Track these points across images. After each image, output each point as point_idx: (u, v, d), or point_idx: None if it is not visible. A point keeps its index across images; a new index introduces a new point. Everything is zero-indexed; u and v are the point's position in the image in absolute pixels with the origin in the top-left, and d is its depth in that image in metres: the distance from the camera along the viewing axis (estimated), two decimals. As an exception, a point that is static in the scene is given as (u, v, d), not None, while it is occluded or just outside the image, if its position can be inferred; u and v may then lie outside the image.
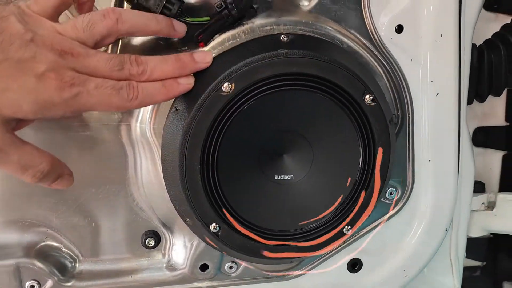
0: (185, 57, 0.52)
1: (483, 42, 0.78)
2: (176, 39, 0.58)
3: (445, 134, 0.66)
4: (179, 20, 0.56)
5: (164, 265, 0.66)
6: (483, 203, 0.87)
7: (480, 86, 0.76)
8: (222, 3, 0.54)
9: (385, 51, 0.62)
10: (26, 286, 0.62)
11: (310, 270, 0.69)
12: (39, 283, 0.62)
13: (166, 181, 0.59)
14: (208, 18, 0.56)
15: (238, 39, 0.57)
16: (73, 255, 0.64)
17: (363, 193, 0.60)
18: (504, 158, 0.92)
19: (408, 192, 0.68)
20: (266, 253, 0.60)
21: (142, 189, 0.63)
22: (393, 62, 0.62)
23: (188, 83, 0.52)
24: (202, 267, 0.66)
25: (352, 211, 0.60)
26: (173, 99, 0.57)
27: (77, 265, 0.64)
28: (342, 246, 0.69)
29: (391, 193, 0.68)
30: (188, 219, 0.60)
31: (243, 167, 0.57)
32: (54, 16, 0.48)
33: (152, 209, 0.64)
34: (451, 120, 0.65)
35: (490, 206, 0.87)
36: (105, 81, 0.46)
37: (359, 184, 0.60)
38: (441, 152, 0.66)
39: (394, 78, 0.63)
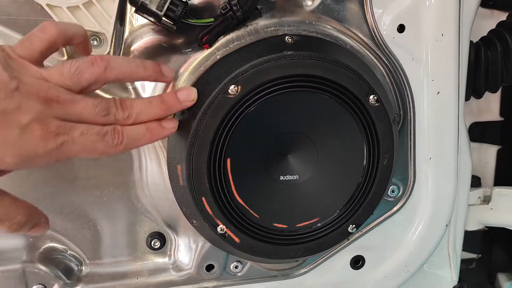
0: (169, 98, 0.51)
1: (480, 39, 0.79)
2: (180, 40, 0.58)
3: (445, 132, 0.67)
4: (183, 22, 0.56)
5: (170, 266, 0.67)
6: (479, 197, 0.88)
7: (477, 83, 0.78)
8: (227, 5, 0.54)
9: (387, 51, 0.62)
10: (32, 290, 0.62)
11: (314, 267, 0.70)
12: (45, 287, 0.62)
13: (172, 183, 0.59)
14: (212, 19, 0.56)
15: (243, 40, 0.57)
16: (78, 258, 0.64)
17: (367, 193, 0.61)
18: (499, 153, 0.93)
19: (410, 189, 0.69)
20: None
21: (148, 191, 0.63)
22: (395, 62, 0.63)
23: (172, 127, 0.52)
24: (207, 267, 0.66)
25: (357, 210, 0.61)
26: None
27: (83, 268, 0.64)
28: (345, 243, 0.70)
29: (393, 191, 0.69)
30: (194, 221, 0.60)
31: (249, 169, 0.58)
32: (39, 60, 0.47)
33: (157, 210, 0.64)
34: (451, 118, 0.66)
35: (486, 200, 0.89)
36: (91, 128, 0.45)
37: (364, 183, 0.61)
38: (441, 149, 0.67)
39: (396, 77, 0.64)
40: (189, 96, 0.53)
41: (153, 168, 0.62)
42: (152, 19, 0.54)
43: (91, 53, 0.53)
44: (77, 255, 0.64)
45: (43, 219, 0.50)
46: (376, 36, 0.62)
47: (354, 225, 0.62)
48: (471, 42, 0.76)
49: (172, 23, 0.55)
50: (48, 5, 0.53)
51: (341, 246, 0.70)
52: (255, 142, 0.57)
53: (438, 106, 0.65)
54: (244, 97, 0.54)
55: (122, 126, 0.47)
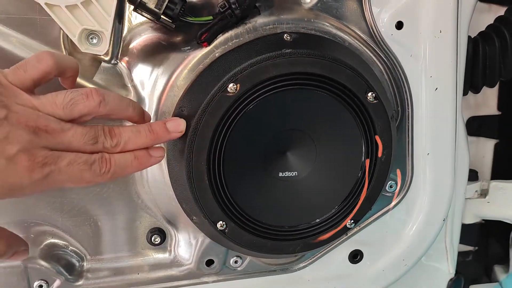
0: (158, 128, 0.51)
1: (478, 34, 0.79)
2: (179, 38, 0.58)
3: (443, 128, 0.67)
4: (182, 20, 0.56)
5: (170, 261, 0.67)
6: (476, 191, 0.89)
7: (474, 78, 0.78)
8: (226, 3, 0.55)
9: (385, 48, 0.62)
10: (34, 286, 0.63)
11: (312, 262, 0.71)
12: (47, 282, 0.63)
13: (172, 180, 0.60)
14: (211, 17, 0.56)
15: (241, 38, 0.58)
16: (80, 254, 0.65)
17: (365, 189, 0.61)
18: (496, 146, 0.94)
19: (407, 184, 0.70)
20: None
21: (148, 187, 0.63)
22: (393, 58, 0.63)
23: (160, 155, 0.51)
24: (207, 263, 0.67)
25: (355, 206, 0.62)
26: (178, 99, 0.58)
27: (84, 263, 0.65)
28: (343, 238, 0.70)
29: (391, 186, 0.69)
30: (194, 217, 0.61)
31: (249, 166, 0.58)
32: (31, 88, 0.46)
33: (158, 207, 0.65)
34: (449, 114, 0.67)
35: (483, 193, 0.90)
36: (78, 157, 0.45)
37: (362, 179, 0.61)
38: (439, 145, 0.68)
39: (394, 74, 0.64)
40: (178, 127, 0.53)
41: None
42: (150, 17, 0.55)
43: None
44: (78, 251, 0.65)
45: (23, 247, 0.51)
46: (374, 33, 0.62)
47: (352, 221, 0.63)
48: (469, 37, 0.76)
49: (170, 21, 0.55)
50: (46, 4, 0.53)
51: (340, 241, 0.71)
52: (254, 139, 0.57)
53: (436, 103, 0.66)
54: (243, 95, 0.54)
55: (110, 154, 0.47)
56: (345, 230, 0.63)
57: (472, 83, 0.79)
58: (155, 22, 0.56)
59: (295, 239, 0.62)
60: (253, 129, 0.57)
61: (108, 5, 0.54)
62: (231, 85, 0.54)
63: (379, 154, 0.60)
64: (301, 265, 0.71)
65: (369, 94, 0.57)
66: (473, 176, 0.89)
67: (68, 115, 0.46)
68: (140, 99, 0.60)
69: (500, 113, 0.92)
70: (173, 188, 0.60)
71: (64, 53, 0.57)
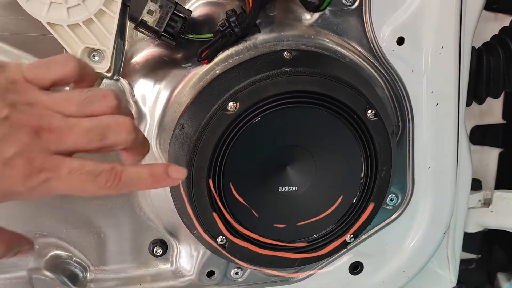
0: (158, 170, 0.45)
1: (482, 45, 0.79)
2: (180, 55, 0.59)
3: (444, 143, 0.67)
4: (182, 37, 0.56)
5: (172, 272, 0.68)
6: (479, 200, 0.89)
7: (478, 89, 0.77)
8: (226, 22, 0.55)
9: (386, 63, 0.62)
10: (38, 296, 0.64)
11: (312, 274, 0.72)
12: (51, 293, 0.64)
13: (173, 195, 0.60)
14: (211, 35, 0.57)
15: (242, 56, 0.58)
16: (83, 265, 0.66)
17: (366, 204, 0.62)
18: (501, 155, 0.93)
19: (408, 198, 0.70)
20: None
21: (150, 200, 0.64)
22: (394, 74, 0.63)
23: (179, 177, 0.45)
24: (208, 274, 0.68)
25: (355, 221, 0.62)
26: (179, 116, 0.58)
27: (87, 274, 0.66)
28: (344, 251, 0.71)
29: (391, 200, 0.70)
30: (195, 231, 0.62)
31: (249, 182, 0.59)
32: (47, 88, 0.44)
33: (160, 219, 0.66)
34: (450, 129, 0.67)
35: (487, 203, 0.89)
36: (82, 166, 0.41)
37: (362, 195, 0.61)
38: (440, 160, 0.68)
39: (395, 89, 0.64)
40: (179, 174, 0.46)
41: (154, 180, 0.63)
42: (151, 35, 0.55)
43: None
44: (82, 262, 0.66)
45: (26, 246, 0.48)
46: (375, 48, 0.62)
47: (352, 236, 0.63)
48: (473, 48, 0.75)
49: (171, 39, 0.55)
50: (48, 23, 0.53)
51: (340, 254, 0.71)
52: (254, 156, 0.58)
53: (437, 118, 0.66)
54: (243, 113, 0.55)
55: (123, 166, 0.43)
56: (345, 244, 0.64)
57: (476, 94, 0.78)
58: (155, 40, 0.56)
59: (294, 253, 0.62)
60: (253, 146, 0.57)
61: (109, 24, 0.55)
62: (231, 103, 0.54)
63: (379, 170, 0.60)
64: (302, 276, 0.72)
65: (369, 111, 0.58)
66: (476, 185, 0.89)
67: (81, 113, 0.43)
68: (141, 114, 0.60)
69: (505, 121, 0.91)
70: (174, 202, 0.61)
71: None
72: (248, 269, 0.70)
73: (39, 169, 0.39)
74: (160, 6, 0.54)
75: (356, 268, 0.73)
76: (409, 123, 0.66)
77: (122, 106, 0.45)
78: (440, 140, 0.67)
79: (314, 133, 0.59)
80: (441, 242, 0.74)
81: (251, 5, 0.53)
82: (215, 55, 0.57)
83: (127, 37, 0.59)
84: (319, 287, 0.72)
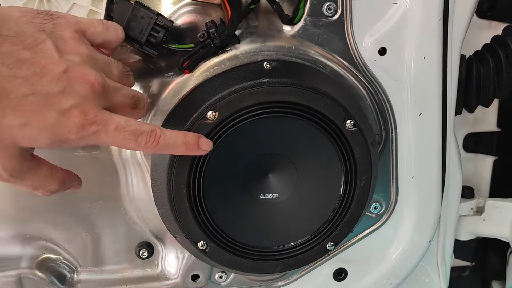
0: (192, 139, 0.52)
1: (473, 54, 0.78)
2: (163, 64, 0.60)
3: (428, 152, 0.67)
4: (164, 47, 0.58)
5: (157, 275, 0.70)
6: (471, 208, 0.89)
7: (468, 98, 0.77)
8: (205, 33, 0.56)
9: (368, 73, 0.63)
10: (27, 295, 0.66)
11: (297, 279, 0.73)
12: (40, 292, 0.67)
13: (156, 200, 0.62)
14: (192, 45, 0.58)
15: (223, 65, 0.59)
16: (71, 265, 0.68)
17: (345, 213, 0.62)
18: (495, 164, 0.93)
19: (392, 206, 0.70)
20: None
21: (135, 204, 0.66)
22: (376, 84, 0.64)
23: (207, 149, 0.53)
24: (193, 277, 0.70)
25: (335, 229, 0.63)
26: (161, 124, 0.60)
27: (75, 275, 0.68)
28: (327, 257, 0.72)
29: (375, 208, 0.70)
30: (177, 236, 0.63)
31: (229, 188, 0.60)
32: (96, 46, 0.50)
33: (145, 223, 0.67)
34: (434, 139, 0.67)
35: (479, 211, 0.89)
36: (128, 124, 0.46)
37: (342, 204, 0.62)
38: (424, 169, 0.68)
39: (378, 99, 0.64)
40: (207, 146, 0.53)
41: (139, 184, 0.65)
42: (134, 45, 0.57)
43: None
44: (70, 263, 0.68)
45: (76, 182, 0.54)
46: (357, 59, 0.62)
47: (332, 243, 0.64)
48: (463, 56, 0.75)
49: (153, 49, 0.57)
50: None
51: (324, 259, 0.72)
52: (234, 164, 0.59)
53: (420, 127, 0.66)
54: (222, 122, 0.56)
55: (163, 130, 0.48)
56: (326, 251, 0.64)
57: (466, 102, 0.78)
58: (138, 50, 0.58)
59: (275, 259, 0.63)
60: (233, 154, 0.58)
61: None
62: (210, 112, 0.55)
63: (358, 180, 0.61)
64: (286, 281, 0.73)
65: (348, 121, 0.58)
66: (469, 193, 0.89)
67: (120, 80, 0.50)
68: (126, 121, 0.62)
69: (499, 129, 0.91)
70: (157, 207, 0.62)
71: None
72: (232, 273, 0.71)
73: (91, 122, 0.44)
74: (142, 17, 0.55)
75: (340, 274, 0.73)
76: (392, 133, 0.66)
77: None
78: (424, 149, 0.67)
79: (295, 142, 0.60)
80: (425, 251, 0.74)
81: (229, 17, 0.54)
82: (196, 65, 0.58)
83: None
84: (303, 293, 0.73)
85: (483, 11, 0.84)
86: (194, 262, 0.69)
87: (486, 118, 0.91)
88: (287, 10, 0.60)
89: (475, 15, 0.84)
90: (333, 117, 0.58)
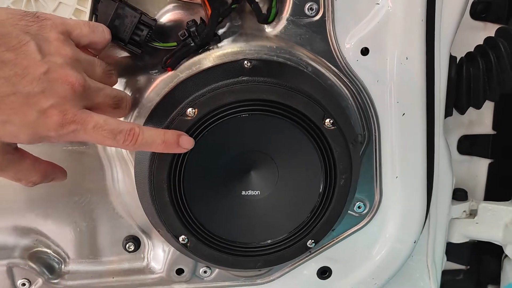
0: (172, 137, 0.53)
1: (465, 55, 0.78)
2: (147, 62, 0.62)
3: (412, 153, 0.67)
4: (149, 45, 0.59)
5: (143, 268, 0.71)
6: (464, 211, 0.88)
7: (459, 99, 0.77)
8: (185, 32, 0.57)
9: (350, 73, 0.63)
10: (18, 284, 0.69)
11: (281, 276, 0.73)
12: (29, 281, 0.69)
13: (139, 195, 0.63)
14: (175, 43, 0.59)
15: (204, 64, 0.60)
16: (60, 257, 0.70)
17: (325, 211, 0.63)
18: (490, 167, 0.92)
19: (376, 206, 0.70)
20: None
21: (121, 198, 0.68)
22: (358, 84, 0.64)
23: (187, 148, 0.54)
24: (178, 271, 0.71)
25: (315, 227, 0.63)
26: (144, 120, 0.61)
27: (64, 265, 0.70)
28: (311, 255, 0.72)
29: (359, 207, 0.70)
30: (160, 230, 0.65)
31: (210, 184, 0.61)
32: (81, 47, 0.51)
33: (132, 217, 0.69)
34: (419, 140, 0.67)
35: (473, 214, 0.89)
36: (106, 123, 0.48)
37: (321, 202, 0.63)
38: (408, 169, 0.68)
39: (360, 99, 0.65)
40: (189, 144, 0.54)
41: (124, 179, 0.66)
42: (118, 42, 0.58)
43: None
44: (59, 254, 0.70)
45: (59, 174, 0.57)
46: (339, 58, 0.63)
47: (312, 241, 0.64)
48: (454, 58, 0.75)
49: (137, 47, 0.59)
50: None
51: (308, 257, 0.73)
52: (215, 160, 0.60)
53: (403, 127, 0.66)
54: (201, 119, 0.57)
55: (141, 128, 0.49)
56: (306, 249, 0.65)
57: (457, 104, 0.78)
58: (122, 47, 0.59)
59: (255, 255, 0.64)
60: (214, 151, 0.59)
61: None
62: (189, 109, 0.56)
63: (338, 179, 0.61)
64: (270, 278, 0.73)
65: (327, 120, 0.59)
66: (461, 195, 0.88)
67: (102, 80, 0.52)
68: (112, 117, 0.64)
69: (495, 132, 0.90)
70: (141, 201, 0.64)
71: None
72: (217, 269, 0.72)
73: (70, 121, 0.46)
74: (126, 16, 0.57)
75: (324, 273, 0.74)
76: (375, 132, 0.67)
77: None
78: (408, 149, 0.67)
79: (275, 140, 0.61)
80: (411, 251, 0.74)
81: (209, 16, 0.56)
82: (177, 62, 0.60)
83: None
84: (286, 290, 0.74)
85: (477, 12, 0.83)
86: (179, 256, 0.70)
87: (482, 121, 0.90)
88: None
89: (469, 16, 0.84)
90: (312, 115, 0.58)
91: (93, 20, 0.57)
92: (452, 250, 0.96)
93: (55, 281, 0.70)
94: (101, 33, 0.54)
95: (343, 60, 0.63)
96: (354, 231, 0.72)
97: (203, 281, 0.72)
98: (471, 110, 0.86)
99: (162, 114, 0.59)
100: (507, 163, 0.91)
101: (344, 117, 0.62)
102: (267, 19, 0.57)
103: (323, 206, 0.63)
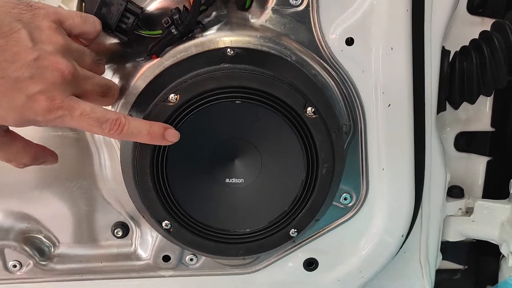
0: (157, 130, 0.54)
1: (460, 49, 0.77)
2: (134, 49, 0.63)
3: (399, 144, 0.67)
4: (135, 33, 0.61)
5: (131, 254, 0.73)
6: (460, 209, 0.87)
7: (452, 94, 0.76)
8: (169, 19, 0.59)
9: (335, 63, 0.63)
10: (9, 265, 0.71)
11: (267, 266, 0.74)
12: (20, 263, 0.71)
13: (125, 180, 0.65)
14: (160, 31, 0.61)
15: (189, 51, 0.61)
16: (51, 241, 0.72)
17: (307, 200, 0.63)
18: (488, 164, 0.91)
19: (363, 198, 0.70)
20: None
21: (109, 184, 0.69)
22: (343, 74, 0.64)
23: (172, 141, 0.55)
24: (164, 258, 0.72)
25: (297, 216, 0.64)
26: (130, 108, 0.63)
27: (54, 249, 0.72)
28: (298, 246, 0.72)
29: (345, 199, 0.70)
30: (144, 215, 0.66)
31: (194, 170, 0.62)
32: (73, 36, 0.53)
33: (120, 203, 0.70)
34: (405, 130, 0.66)
35: (469, 212, 0.87)
36: (93, 111, 0.49)
37: (303, 191, 0.63)
38: (395, 161, 0.68)
39: (345, 89, 0.65)
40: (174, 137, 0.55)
41: (112, 165, 0.68)
42: (104, 30, 0.60)
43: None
44: (50, 238, 0.72)
45: (50, 157, 0.58)
46: (323, 48, 0.63)
47: (295, 230, 0.65)
48: (447, 51, 0.74)
49: (124, 34, 0.60)
50: None
51: (294, 248, 0.73)
52: (199, 147, 0.61)
53: (390, 119, 0.66)
54: (183, 105, 0.58)
55: (127, 119, 0.51)
56: (289, 238, 0.65)
57: (450, 98, 0.77)
58: (109, 35, 0.61)
59: (237, 243, 0.65)
60: (197, 138, 0.60)
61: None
62: (172, 95, 0.57)
63: (320, 168, 0.61)
64: (256, 268, 0.74)
65: (308, 108, 0.59)
66: (457, 193, 0.87)
67: (92, 69, 0.54)
68: (100, 104, 0.65)
69: (493, 129, 0.89)
70: (126, 187, 0.65)
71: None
72: (203, 257, 0.73)
73: (57, 107, 0.47)
74: (112, 4, 0.58)
75: (311, 264, 0.74)
76: (361, 123, 0.66)
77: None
78: (395, 141, 0.67)
79: (258, 128, 0.61)
80: (399, 245, 0.73)
81: (191, 4, 0.57)
82: (162, 50, 0.61)
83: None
84: (272, 280, 0.74)
85: (474, 7, 0.83)
86: (166, 243, 0.71)
87: (480, 117, 0.89)
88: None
89: (466, 11, 0.83)
90: (293, 103, 0.59)
91: (83, 8, 0.59)
92: (450, 249, 0.95)
93: (45, 263, 0.71)
94: (92, 24, 0.56)
95: (327, 50, 0.63)
96: (340, 223, 0.72)
97: (189, 269, 0.73)
98: (468, 106, 0.85)
99: (146, 100, 0.60)
100: (505, 161, 0.89)
101: (327, 107, 0.63)
102: (244, 6, 0.58)
103: (305, 195, 0.63)
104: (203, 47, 0.61)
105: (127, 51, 0.63)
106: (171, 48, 0.62)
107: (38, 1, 0.52)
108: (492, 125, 0.89)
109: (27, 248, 0.71)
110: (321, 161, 0.61)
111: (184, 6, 0.59)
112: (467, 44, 0.78)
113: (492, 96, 0.87)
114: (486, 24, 0.83)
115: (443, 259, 0.94)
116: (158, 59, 0.62)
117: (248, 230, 0.65)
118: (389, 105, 0.65)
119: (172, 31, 0.59)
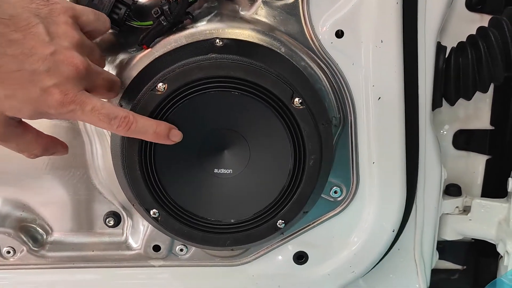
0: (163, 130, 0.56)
1: (456, 45, 0.77)
2: (126, 40, 0.64)
3: (389, 138, 0.67)
4: (127, 24, 0.62)
5: (122, 243, 0.74)
6: (457, 207, 0.86)
7: (447, 90, 0.76)
8: (158, 10, 0.59)
9: (325, 55, 0.64)
10: (3, 251, 0.72)
11: (257, 258, 0.74)
12: (14, 249, 0.72)
13: (115, 169, 0.65)
14: (151, 22, 0.62)
15: (179, 42, 0.62)
16: (44, 229, 0.73)
17: (294, 191, 0.63)
18: (488, 163, 0.89)
19: (353, 192, 0.70)
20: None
21: (101, 174, 0.70)
22: (333, 66, 0.64)
23: (175, 141, 0.57)
24: (155, 248, 0.73)
25: (284, 207, 0.64)
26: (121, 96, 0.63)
27: (47, 237, 0.73)
28: (287, 238, 0.72)
29: (335, 192, 0.70)
30: (134, 204, 0.66)
31: (182, 159, 0.62)
32: (85, 32, 0.55)
33: (112, 192, 0.71)
34: (396, 124, 0.66)
35: (466, 210, 0.86)
36: (103, 107, 0.51)
37: (291, 182, 0.63)
38: (385, 155, 0.67)
39: (335, 81, 0.65)
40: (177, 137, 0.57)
41: (103, 153, 0.69)
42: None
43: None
44: (43, 226, 0.73)
45: (61, 148, 0.60)
46: (313, 40, 0.63)
47: (282, 221, 0.65)
48: (443, 47, 0.74)
49: (115, 25, 0.61)
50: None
51: (284, 241, 0.73)
52: (187, 136, 0.61)
53: (380, 112, 0.65)
54: (171, 94, 0.59)
55: (136, 117, 0.53)
56: (276, 229, 0.65)
57: (446, 94, 0.77)
58: (101, 26, 0.62)
59: (224, 233, 0.65)
60: (185, 127, 0.60)
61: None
62: (160, 84, 0.58)
63: (307, 159, 0.61)
64: (246, 260, 0.74)
65: (296, 99, 0.59)
66: (455, 191, 0.86)
67: (99, 63, 0.56)
68: (93, 93, 0.66)
69: (493, 127, 0.88)
70: (116, 175, 0.66)
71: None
72: (193, 248, 0.73)
73: (70, 101, 0.49)
74: (103, -6, 0.59)
75: (301, 258, 0.74)
76: (351, 116, 0.66)
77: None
78: (385, 134, 0.67)
79: (246, 119, 0.61)
80: (390, 240, 0.73)
81: (181, -6, 0.58)
82: (152, 40, 0.62)
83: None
84: (262, 273, 0.74)
85: (473, 4, 0.82)
86: (156, 233, 0.72)
87: (479, 115, 0.88)
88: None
89: (465, 8, 0.82)
90: (280, 94, 0.59)
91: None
92: (448, 249, 0.94)
93: (38, 250, 0.72)
94: (103, 21, 0.58)
95: (317, 43, 0.63)
96: (330, 216, 0.71)
97: (179, 259, 0.73)
98: (468, 104, 0.84)
99: (135, 89, 0.61)
100: (505, 160, 0.88)
101: (315, 98, 0.63)
102: (230, -5, 0.59)
103: (292, 186, 0.63)
104: (193, 38, 0.62)
105: (119, 42, 0.64)
106: (161, 39, 0.62)
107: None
108: (492, 123, 0.88)
109: (21, 235, 0.72)
110: (308, 152, 0.61)
111: (173, -4, 0.60)
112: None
113: (492, 94, 0.86)
114: (485, 21, 0.82)
115: (441, 259, 0.93)
116: (149, 49, 0.63)
117: (235, 220, 0.65)
118: (379, 98, 0.65)
119: (162, 21, 0.60)
